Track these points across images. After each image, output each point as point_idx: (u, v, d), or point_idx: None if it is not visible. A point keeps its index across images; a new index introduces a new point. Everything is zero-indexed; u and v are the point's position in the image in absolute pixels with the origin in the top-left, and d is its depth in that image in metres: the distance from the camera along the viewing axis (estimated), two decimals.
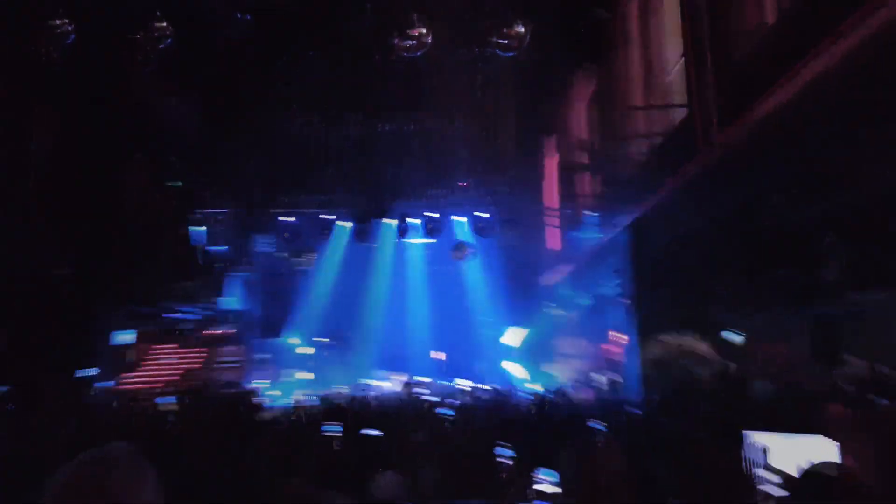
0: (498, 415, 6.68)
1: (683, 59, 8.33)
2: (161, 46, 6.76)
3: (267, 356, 15.86)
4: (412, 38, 7.24)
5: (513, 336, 17.51)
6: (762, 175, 6.86)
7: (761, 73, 5.83)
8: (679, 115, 8.35)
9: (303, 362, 16.79)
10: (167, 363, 11.79)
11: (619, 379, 12.65)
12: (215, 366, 13.47)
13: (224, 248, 13.21)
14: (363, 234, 13.93)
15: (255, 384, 11.96)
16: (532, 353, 16.89)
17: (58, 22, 6.26)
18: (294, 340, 16.99)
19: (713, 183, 7.61)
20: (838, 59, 4.48)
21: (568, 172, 13.45)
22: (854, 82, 4.67)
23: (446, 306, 18.09)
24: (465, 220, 15.87)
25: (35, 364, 7.14)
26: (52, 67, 6.71)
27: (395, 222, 15.05)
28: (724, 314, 10.78)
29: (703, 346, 10.06)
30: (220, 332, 13.56)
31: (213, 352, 13.56)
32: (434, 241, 17.44)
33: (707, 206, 8.05)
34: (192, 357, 13.01)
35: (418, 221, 14.92)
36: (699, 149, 7.33)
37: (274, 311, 15.22)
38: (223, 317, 13.48)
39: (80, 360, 8.06)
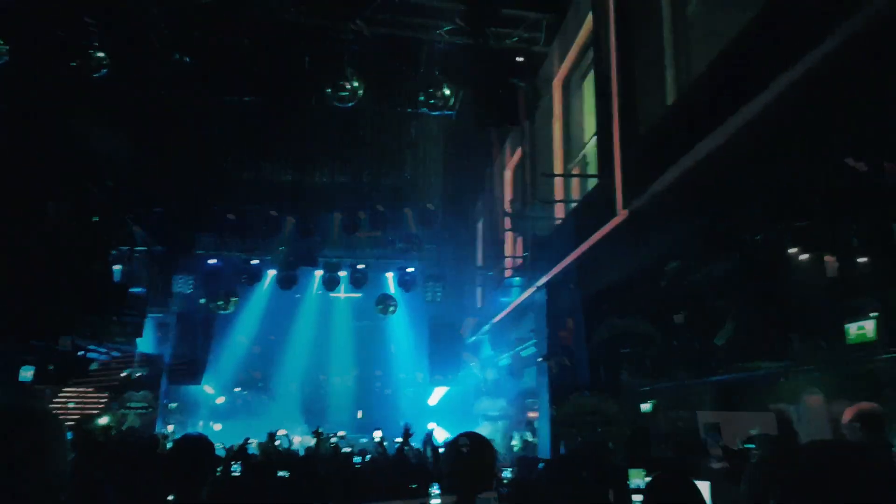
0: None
1: (596, 136, 9.13)
2: (96, 76, 6.78)
3: (176, 404, 15.16)
4: (346, 89, 7.59)
5: (437, 395, 17.53)
6: (663, 241, 7.47)
7: (664, 147, 6.49)
8: (593, 183, 9.04)
9: (216, 412, 16.13)
10: (66, 406, 11.06)
11: (532, 439, 12.86)
12: (122, 412, 12.76)
13: (140, 287, 12.77)
14: (287, 282, 13.84)
15: (163, 433, 11.40)
16: (454, 413, 16.91)
17: None
18: (208, 389, 16.35)
19: (619, 247, 8.16)
20: (730, 136, 5.09)
21: (491, 232, 14.00)
22: (745, 157, 5.28)
23: (369, 360, 17.99)
24: (390, 274, 16.06)
25: None
26: None
27: (320, 273, 15.04)
28: (632, 378, 11.35)
29: (608, 407, 10.46)
30: (129, 375, 12.95)
31: (120, 397, 12.87)
32: (359, 294, 17.48)
33: (616, 267, 8.61)
34: (93, 401, 12.32)
35: (344, 273, 15.00)
36: (609, 215, 7.93)
37: (189, 356, 14.65)
38: (134, 358, 12.89)
39: None
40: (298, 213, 13.14)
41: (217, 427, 14.97)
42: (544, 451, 10.31)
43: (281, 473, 4.52)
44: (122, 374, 12.61)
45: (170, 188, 11.77)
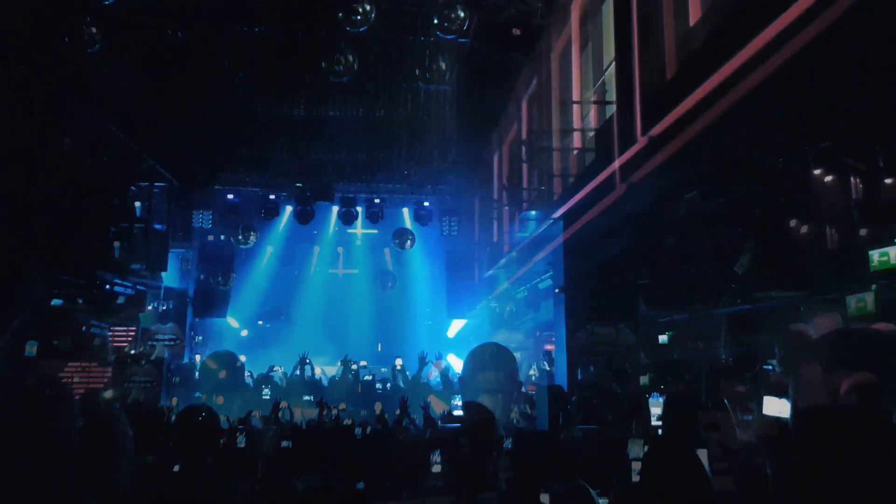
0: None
1: (615, 59, 8.87)
2: (106, 3, 6.67)
3: (202, 336, 15.65)
4: (357, 12, 7.39)
5: (455, 328, 17.86)
6: (683, 169, 7.37)
7: (685, 71, 6.33)
8: (612, 110, 8.86)
9: (241, 344, 16.64)
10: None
11: (548, 368, 13.14)
12: (151, 343, 13.21)
13: (161, 223, 12.96)
14: (304, 216, 13.93)
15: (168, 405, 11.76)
16: (471, 345, 17.25)
17: None
18: (232, 322, 16.81)
19: (636, 176, 8.06)
20: (754, 56, 4.93)
21: (508, 165, 13.87)
22: (769, 78, 5.13)
23: (386, 294, 18.27)
24: (406, 209, 16.09)
25: None
26: None
27: (336, 207, 15.12)
28: (648, 308, 11.42)
29: (624, 337, 10.61)
30: (158, 308, 13.35)
31: (147, 330, 13.29)
32: (375, 231, 17.59)
33: (631, 199, 8.53)
34: (121, 334, 12.76)
35: (360, 208, 15.05)
36: (626, 144, 7.81)
37: (209, 290, 15.01)
38: (158, 293, 13.25)
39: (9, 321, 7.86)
40: (314, 147, 13.09)
41: (243, 358, 15.48)
42: (561, 380, 10.56)
43: (284, 444, 4.62)
44: (149, 308, 12.99)
45: (186, 124, 11.74)
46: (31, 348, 9.11)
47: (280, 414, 7.11)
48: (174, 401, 10.28)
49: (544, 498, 2.62)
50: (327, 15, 7.79)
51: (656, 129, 7.14)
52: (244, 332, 17.47)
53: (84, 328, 10.58)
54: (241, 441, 5.51)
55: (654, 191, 8.01)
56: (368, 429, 6.16)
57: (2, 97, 7.62)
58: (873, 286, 5.23)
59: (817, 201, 5.88)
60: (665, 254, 9.28)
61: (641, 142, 7.49)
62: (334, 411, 8.26)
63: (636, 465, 2.90)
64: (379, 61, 10.03)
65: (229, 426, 6.95)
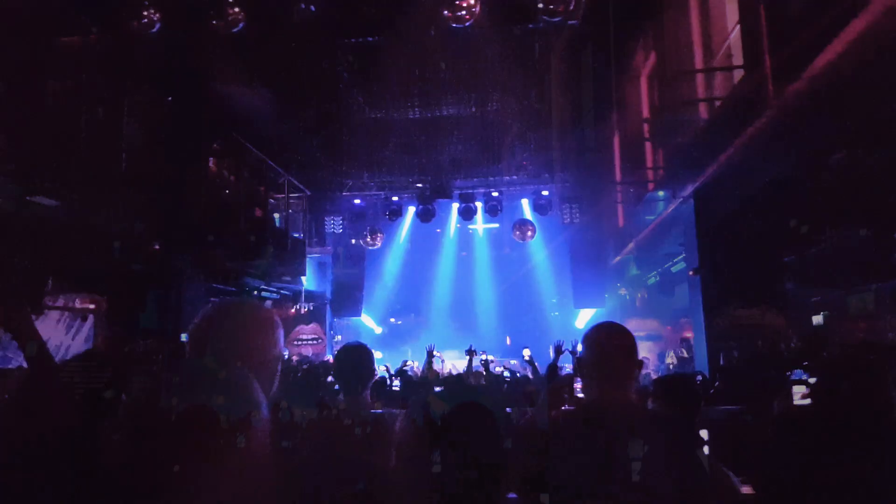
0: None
1: (739, 20, 8.21)
2: (234, 31, 7.32)
3: (340, 336, 16.60)
4: (462, 7, 7.46)
5: (584, 318, 17.49)
6: (824, 130, 6.68)
7: (815, 28, 5.73)
8: (738, 76, 8.23)
9: (376, 341, 17.49)
10: None
11: (686, 355, 12.48)
12: (296, 342, 14.25)
13: (298, 231, 13.93)
14: (426, 215, 14.31)
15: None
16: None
17: (144, 10, 6.96)
18: (367, 320, 17.69)
19: (774, 143, 7.44)
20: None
21: (629, 146, 13.33)
22: None
23: (511, 287, 18.31)
24: (525, 200, 15.96)
25: (133, 329, 7.94)
26: (139, 56, 7.46)
27: (456, 204, 15.35)
28: (795, 285, 10.45)
29: (772, 319, 9.81)
30: (300, 310, 14.35)
31: (292, 330, 14.37)
32: (496, 225, 17.63)
33: (769, 168, 7.88)
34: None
35: (479, 204, 15.18)
36: (758, 109, 7.21)
37: (344, 291, 15.89)
38: (299, 296, 14.24)
39: (173, 328, 8.82)
40: (431, 147, 13.41)
41: (378, 355, 16.24)
42: (701, 367, 9.99)
43: (437, 389, 4.81)
44: (292, 310, 14.00)
45: (312, 137, 12.53)
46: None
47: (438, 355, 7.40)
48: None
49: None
50: (433, 14, 7.95)
51: (792, 90, 6.53)
52: (378, 330, 18.31)
53: (256, 293, 11.55)
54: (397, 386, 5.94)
55: (795, 156, 7.34)
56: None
57: (153, 128, 8.58)
58: None
59: None
60: (813, 225, 8.45)
61: (775, 105, 6.88)
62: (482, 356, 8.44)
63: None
64: (487, 54, 10.05)
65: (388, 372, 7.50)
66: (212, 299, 11.17)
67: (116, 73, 8.09)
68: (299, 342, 14.24)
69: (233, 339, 1.74)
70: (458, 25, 7.62)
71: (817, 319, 10.91)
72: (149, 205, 8.33)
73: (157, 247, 8.57)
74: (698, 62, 9.54)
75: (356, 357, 3.10)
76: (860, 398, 1.97)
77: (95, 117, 7.87)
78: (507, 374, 7.72)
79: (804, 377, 3.08)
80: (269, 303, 12.65)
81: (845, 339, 9.91)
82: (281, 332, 1.88)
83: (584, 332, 2.20)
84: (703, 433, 3.19)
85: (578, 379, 2.63)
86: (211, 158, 10.66)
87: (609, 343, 2.10)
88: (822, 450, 1.96)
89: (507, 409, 2.75)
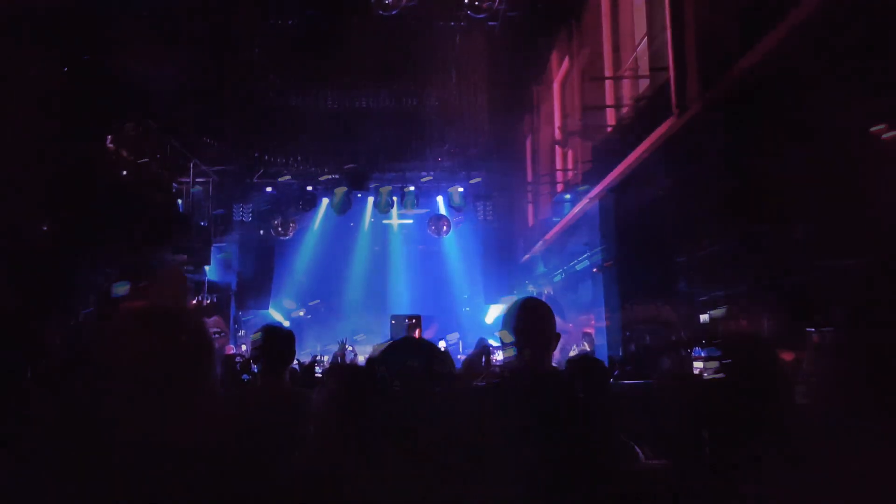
0: None
1: (647, 37, 8.72)
2: None
3: (244, 331, 16.02)
4: None
5: (493, 314, 17.89)
6: (733, 135, 7.16)
7: (738, 32, 6.10)
8: (655, 80, 8.71)
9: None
10: None
11: (588, 349, 13.07)
12: None
13: (201, 218, 13.30)
14: (340, 206, 14.12)
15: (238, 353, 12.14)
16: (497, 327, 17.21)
17: None
18: (275, 314, 17.18)
19: (674, 149, 7.92)
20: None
21: (541, 147, 13.79)
22: (825, 33, 4.91)
23: (426, 282, 18.41)
24: (440, 197, 16.13)
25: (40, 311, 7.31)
26: (32, 19, 6.86)
27: (372, 198, 15.27)
28: (694, 282, 11.19)
29: (666, 315, 10.47)
30: (202, 302, 13.69)
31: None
32: (411, 220, 17.70)
33: (676, 170, 8.37)
34: None
35: (395, 198, 15.17)
36: (673, 110, 7.64)
37: (250, 283, 15.36)
38: (202, 287, 13.60)
39: (62, 314, 8.20)
40: (348, 138, 13.24)
41: None
42: (602, 358, 10.50)
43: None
44: (193, 302, 13.33)
45: (222, 119, 12.02)
46: (122, 289, 9.05)
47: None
48: (243, 347, 10.68)
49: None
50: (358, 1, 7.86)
51: (696, 102, 7.00)
52: (286, 323, 17.84)
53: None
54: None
55: (692, 162, 7.85)
56: None
57: (46, 101, 7.92)
58: None
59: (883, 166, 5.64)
60: (704, 227, 9.09)
61: (676, 116, 7.36)
62: None
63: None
64: (410, 47, 10.08)
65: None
66: (107, 286, 10.43)
67: (3, 33, 7.38)
68: None
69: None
70: (384, 13, 7.59)
71: (704, 317, 11.80)
72: (38, 182, 7.67)
73: (44, 228, 7.92)
74: (608, 70, 10.03)
75: (280, 338, 3.13)
76: (754, 368, 2.14)
77: None
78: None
79: (702, 354, 3.36)
80: None
81: (728, 333, 10.77)
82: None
83: (511, 305, 2.29)
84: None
85: (495, 349, 2.73)
86: (109, 136, 9.99)
87: (535, 313, 2.21)
88: (721, 418, 2.12)
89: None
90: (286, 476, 1.65)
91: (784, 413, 2.06)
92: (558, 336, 2.24)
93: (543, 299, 12.01)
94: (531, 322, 2.19)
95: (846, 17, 4.57)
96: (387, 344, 2.05)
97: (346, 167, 13.59)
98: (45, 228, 7.83)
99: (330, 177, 13.95)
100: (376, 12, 7.54)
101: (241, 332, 16.11)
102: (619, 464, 2.25)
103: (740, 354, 2.22)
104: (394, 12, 7.49)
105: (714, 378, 2.39)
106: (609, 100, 10.02)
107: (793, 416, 2.06)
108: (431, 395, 1.87)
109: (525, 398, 2.02)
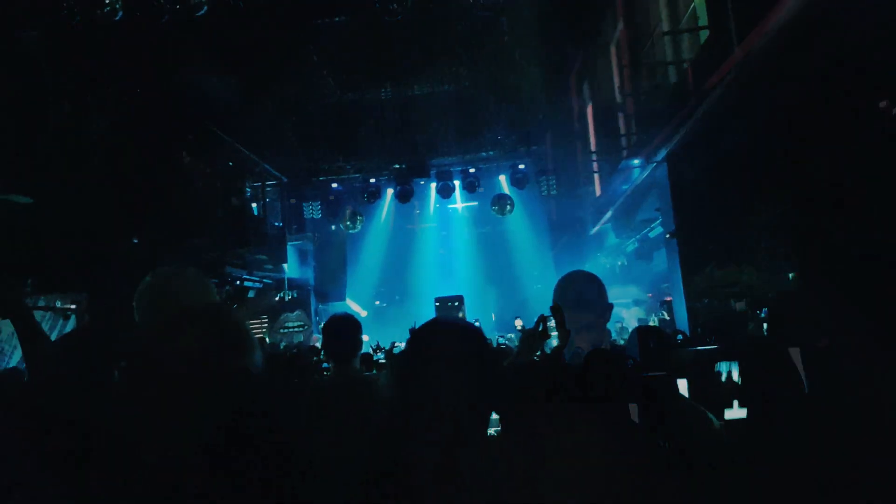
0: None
1: None
2: (198, 15, 7.21)
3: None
4: None
5: None
6: (791, 84, 6.79)
7: None
8: (705, 36, 8.34)
9: (363, 325, 17.51)
10: None
11: (668, 317, 12.72)
12: (282, 331, 14.24)
13: (277, 219, 13.85)
14: (404, 195, 14.32)
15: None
16: None
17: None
18: (353, 304, 17.71)
19: (741, 103, 7.56)
20: None
21: (601, 115, 13.44)
22: None
23: (493, 264, 18.44)
24: (503, 176, 16.04)
25: (113, 322, 7.89)
26: (102, 48, 7.33)
27: (434, 184, 15.37)
28: (769, 243, 10.69)
29: (748, 277, 10.04)
30: (284, 298, 14.32)
31: (277, 318, 14.35)
32: (475, 203, 17.70)
33: (739, 128, 8.00)
34: (255, 324, 13.81)
35: (457, 182, 15.21)
36: (723, 69, 7.31)
37: (327, 276, 15.88)
38: (282, 284, 14.21)
39: None
40: (406, 127, 13.37)
41: (365, 338, 16.28)
42: (682, 327, 10.21)
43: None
44: (276, 299, 13.97)
45: (285, 122, 12.42)
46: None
47: None
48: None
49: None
50: None
51: (751, 40, 6.64)
52: (364, 313, 18.36)
53: (238, 282, 11.49)
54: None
55: (762, 116, 7.46)
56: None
57: (124, 121, 8.46)
58: None
59: None
60: (781, 184, 8.63)
61: (738, 55, 6.99)
62: None
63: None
64: (458, 27, 10.03)
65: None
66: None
67: (79, 66, 7.93)
68: (286, 330, 14.23)
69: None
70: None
71: (793, 275, 11.21)
72: (124, 199, 8.23)
73: (135, 241, 8.49)
74: (666, 27, 9.64)
75: (344, 326, 3.17)
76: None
77: (62, 113, 7.73)
78: (502, 341, 7.89)
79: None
80: (252, 293, 12.62)
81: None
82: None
83: (558, 281, 2.29)
84: (682, 383, 3.32)
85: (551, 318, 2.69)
86: (184, 150, 10.55)
87: (577, 287, 2.20)
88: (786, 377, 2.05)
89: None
90: (356, 459, 1.71)
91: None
92: (610, 307, 2.22)
93: (618, 271, 11.84)
94: (575, 295, 2.17)
95: None
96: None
97: (405, 157, 13.75)
98: (135, 241, 8.39)
99: (391, 166, 14.16)
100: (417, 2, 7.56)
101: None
102: (685, 429, 2.20)
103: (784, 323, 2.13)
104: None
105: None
106: (670, 57, 9.64)
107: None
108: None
109: (566, 376, 2.03)
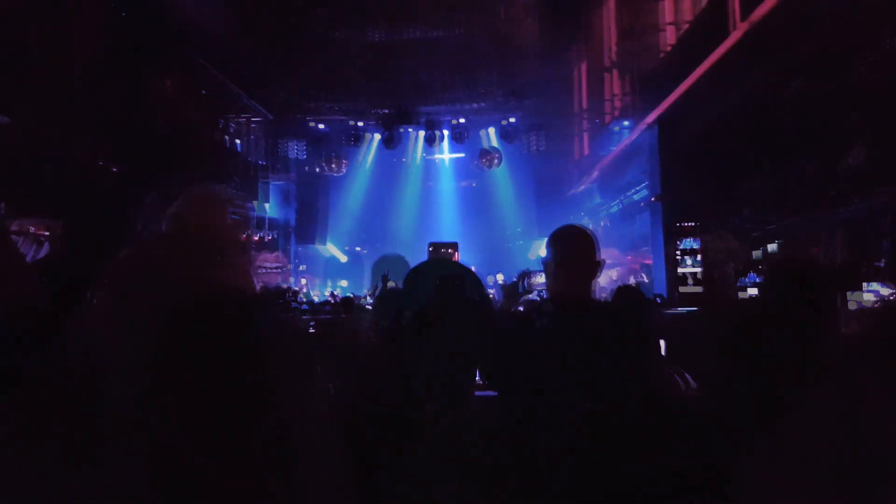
0: None
1: None
2: None
3: (305, 265, 16.59)
4: None
5: (542, 248, 17.78)
6: (785, 54, 6.76)
7: None
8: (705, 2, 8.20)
9: (341, 270, 17.54)
10: None
11: (646, 280, 12.91)
12: (260, 271, 14.19)
13: (257, 155, 13.59)
14: (390, 141, 14.11)
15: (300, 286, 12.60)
16: None
17: None
18: (332, 248, 17.67)
19: (735, 71, 7.53)
20: None
21: (594, 74, 13.26)
22: None
23: (475, 217, 18.41)
24: (492, 128, 15.86)
25: (90, 251, 7.77)
26: None
27: (421, 132, 15.16)
28: (751, 212, 10.84)
29: (727, 243, 10.18)
30: (262, 237, 14.21)
31: (253, 258, 14.26)
32: (461, 154, 17.54)
33: (730, 95, 7.98)
34: None
35: (445, 132, 15.00)
36: (721, 35, 7.24)
37: (308, 219, 15.74)
38: (262, 223, 14.07)
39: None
40: (395, 71, 13.07)
41: (344, 283, 16.33)
42: (660, 289, 10.39)
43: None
44: (255, 238, 13.85)
45: (273, 57, 12.03)
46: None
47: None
48: (303, 281, 11.16)
49: None
50: None
51: (756, 14, 6.57)
52: (343, 259, 18.33)
53: None
54: None
55: (755, 83, 7.44)
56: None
57: (107, 46, 8.13)
58: None
59: None
60: (768, 154, 8.68)
61: (740, 28, 6.93)
62: None
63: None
64: None
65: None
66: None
67: None
68: (263, 271, 14.18)
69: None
70: None
71: (772, 247, 11.39)
72: (103, 124, 8.00)
73: (114, 169, 8.30)
74: None
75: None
76: (806, 298, 2.06)
77: (44, 30, 7.40)
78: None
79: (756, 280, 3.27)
80: None
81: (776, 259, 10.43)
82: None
83: (550, 235, 2.27)
84: (661, 343, 3.40)
85: (536, 273, 2.71)
86: (167, 79, 10.22)
87: (572, 241, 2.18)
88: (765, 343, 2.08)
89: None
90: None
91: (825, 344, 2.01)
92: (600, 263, 2.22)
93: (599, 231, 11.99)
94: (570, 249, 2.16)
95: None
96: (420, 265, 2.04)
97: (393, 102, 13.46)
98: (114, 170, 8.21)
99: (378, 111, 13.88)
100: None
101: (303, 267, 16.70)
102: (658, 392, 2.25)
103: (783, 281, 2.15)
104: None
105: (751, 303, 2.33)
106: (668, 18, 9.48)
107: (835, 348, 2.00)
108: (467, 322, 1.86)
109: (562, 325, 2.04)
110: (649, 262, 12.77)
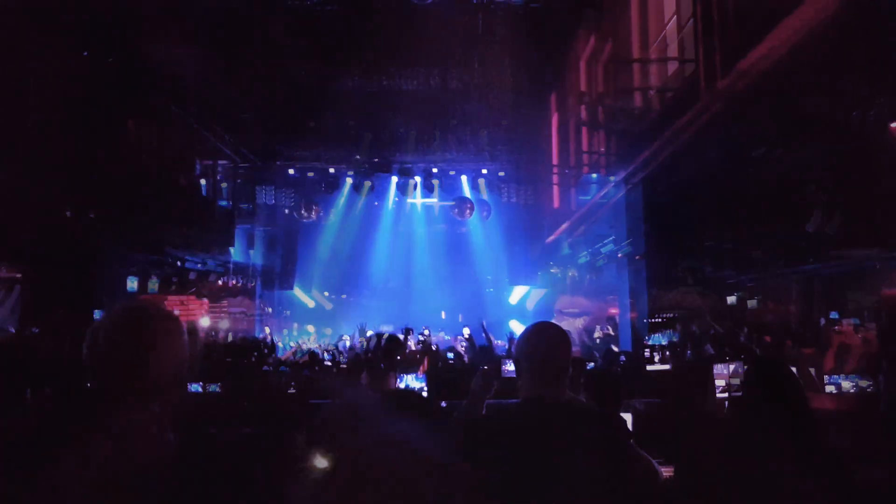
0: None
1: (676, 15, 8.40)
2: None
3: (271, 308, 16.23)
4: None
5: (517, 295, 17.81)
6: (751, 126, 6.95)
7: (754, 18, 5.90)
8: (676, 67, 8.43)
9: (311, 315, 17.20)
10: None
11: (612, 332, 12.92)
12: (221, 315, 13.81)
13: (226, 200, 13.37)
14: (364, 188, 14.05)
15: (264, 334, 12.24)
16: (535, 312, 17.21)
17: None
18: (300, 293, 17.35)
19: (703, 135, 7.69)
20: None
21: (567, 129, 13.51)
22: (836, 35, 4.75)
23: (447, 263, 18.36)
24: (465, 177, 15.96)
25: (53, 302, 7.44)
26: (50, 4, 6.86)
27: (396, 179, 15.16)
28: (719, 270, 11.01)
29: (691, 301, 10.29)
30: (228, 283, 13.88)
31: (219, 304, 13.89)
32: (435, 200, 17.59)
33: (701, 158, 8.14)
34: (195, 307, 13.34)
35: (418, 179, 15.02)
36: (690, 101, 7.41)
37: (279, 264, 15.46)
38: (228, 268, 13.75)
39: (95, 301, 8.32)
40: (371, 120, 13.11)
41: (311, 328, 15.97)
42: (625, 342, 10.40)
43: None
44: (219, 283, 13.51)
45: (246, 101, 11.96)
46: (132, 283, 9.78)
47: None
48: (266, 329, 10.92)
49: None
50: None
51: (723, 84, 6.74)
52: (311, 304, 18.00)
53: (179, 263, 11.12)
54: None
55: (721, 149, 7.61)
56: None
57: (68, 84, 7.96)
58: None
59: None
60: (732, 215, 8.87)
61: (706, 98, 7.09)
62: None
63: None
64: (433, 28, 9.85)
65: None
66: (129, 269, 10.52)
67: (24, 21, 7.41)
68: (225, 315, 13.81)
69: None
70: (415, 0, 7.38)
71: (731, 299, 11.60)
72: (63, 168, 7.76)
73: (68, 213, 8.03)
74: (636, 51, 9.70)
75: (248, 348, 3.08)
76: (780, 395, 2.10)
77: (3, 74, 7.22)
78: (450, 355, 7.76)
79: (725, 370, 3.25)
80: (192, 274, 12.16)
81: (756, 318, 10.63)
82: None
83: (522, 333, 2.20)
84: (627, 417, 3.34)
85: (506, 361, 2.65)
86: (131, 120, 10.05)
87: (546, 345, 2.11)
88: (743, 442, 2.08)
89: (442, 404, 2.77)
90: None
91: (804, 439, 2.00)
92: (574, 362, 2.15)
93: (568, 282, 11.97)
94: (542, 352, 2.09)
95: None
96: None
97: (369, 151, 13.46)
98: (68, 214, 7.94)
99: (354, 159, 13.85)
100: None
101: (269, 310, 16.33)
102: (637, 489, 2.20)
103: (764, 378, 2.18)
104: (427, 1, 7.26)
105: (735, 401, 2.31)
106: (637, 82, 9.72)
107: (813, 440, 2.00)
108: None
109: (534, 428, 1.99)
110: (615, 312, 12.84)
